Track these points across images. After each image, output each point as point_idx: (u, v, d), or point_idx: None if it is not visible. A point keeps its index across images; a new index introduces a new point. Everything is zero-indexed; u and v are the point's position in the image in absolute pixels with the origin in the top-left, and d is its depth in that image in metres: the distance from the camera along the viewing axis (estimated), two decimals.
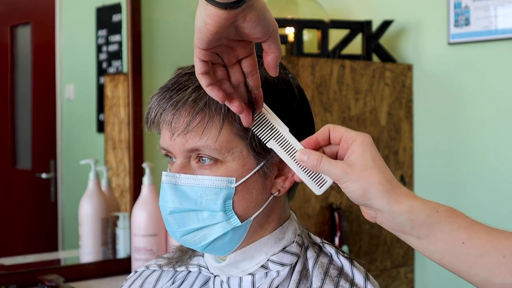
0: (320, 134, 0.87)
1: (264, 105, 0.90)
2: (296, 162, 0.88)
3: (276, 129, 0.90)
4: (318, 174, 0.87)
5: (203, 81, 0.83)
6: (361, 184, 0.82)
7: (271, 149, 0.91)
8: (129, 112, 2.19)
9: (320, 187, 0.87)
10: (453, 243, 0.81)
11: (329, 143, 0.87)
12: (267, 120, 0.90)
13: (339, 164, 0.83)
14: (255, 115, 0.90)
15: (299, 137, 0.96)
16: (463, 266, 0.81)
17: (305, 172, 0.88)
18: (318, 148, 0.87)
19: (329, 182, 0.87)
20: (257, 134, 0.90)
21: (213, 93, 0.83)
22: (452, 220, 0.81)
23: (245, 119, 0.88)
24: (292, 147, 0.89)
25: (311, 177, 0.88)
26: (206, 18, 0.77)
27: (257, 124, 0.90)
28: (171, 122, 0.92)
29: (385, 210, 0.82)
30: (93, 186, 2.09)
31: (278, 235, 0.98)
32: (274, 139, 0.90)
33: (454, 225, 0.81)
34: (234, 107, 0.86)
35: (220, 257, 0.99)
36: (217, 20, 0.77)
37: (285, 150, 0.89)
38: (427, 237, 0.82)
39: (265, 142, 0.90)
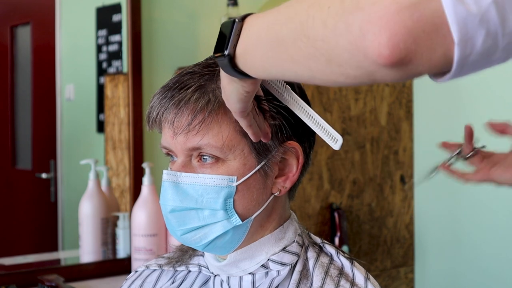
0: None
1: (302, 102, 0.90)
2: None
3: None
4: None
5: (245, 121, 0.87)
6: None
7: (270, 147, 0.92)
8: (129, 112, 2.19)
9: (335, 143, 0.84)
10: None
11: None
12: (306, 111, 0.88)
13: None
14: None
15: (300, 136, 0.97)
16: None
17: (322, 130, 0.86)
18: None
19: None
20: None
21: (254, 131, 0.89)
22: None
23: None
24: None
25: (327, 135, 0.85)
26: (247, 89, 0.80)
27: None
28: (173, 121, 0.92)
29: None
30: (93, 186, 2.08)
31: (278, 235, 0.98)
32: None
33: None
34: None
35: (220, 256, 0.99)
36: (256, 84, 0.80)
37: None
38: None
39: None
